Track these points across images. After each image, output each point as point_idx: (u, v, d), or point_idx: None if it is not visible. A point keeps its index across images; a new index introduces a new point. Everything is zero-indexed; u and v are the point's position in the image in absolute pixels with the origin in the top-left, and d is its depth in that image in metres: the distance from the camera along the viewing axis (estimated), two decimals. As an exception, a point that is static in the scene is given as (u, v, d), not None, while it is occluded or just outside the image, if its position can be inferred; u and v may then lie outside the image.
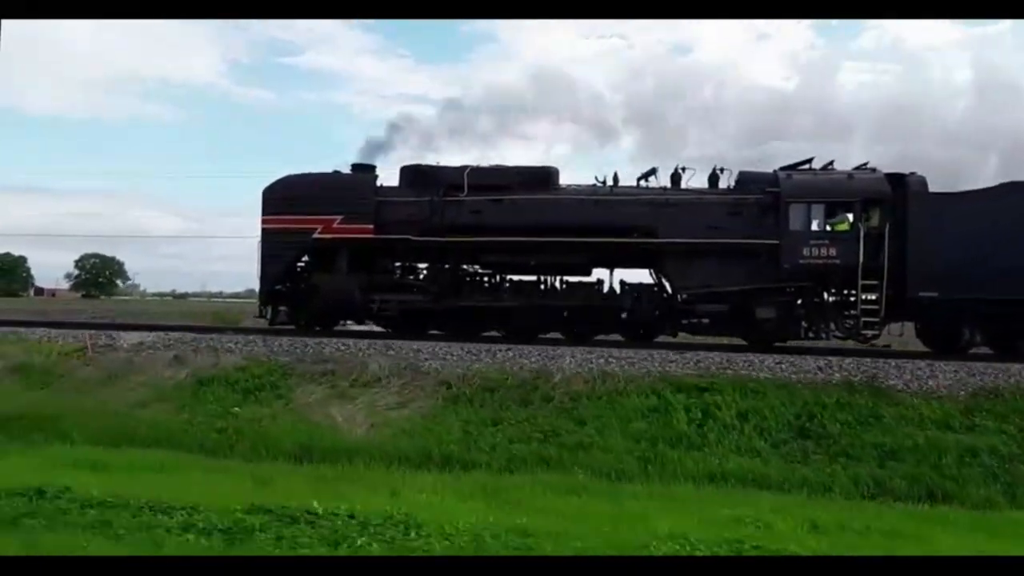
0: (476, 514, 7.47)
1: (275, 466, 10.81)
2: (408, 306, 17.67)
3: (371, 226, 17.49)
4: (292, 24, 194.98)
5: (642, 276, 18.08)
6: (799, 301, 16.60)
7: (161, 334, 16.91)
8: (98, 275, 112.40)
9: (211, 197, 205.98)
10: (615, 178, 17.75)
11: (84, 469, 9.73)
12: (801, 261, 15.96)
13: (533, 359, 14.31)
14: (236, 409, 12.87)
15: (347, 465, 10.90)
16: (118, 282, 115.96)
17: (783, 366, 13.81)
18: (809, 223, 16.16)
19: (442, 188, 17.59)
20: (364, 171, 18.67)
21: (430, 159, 18.45)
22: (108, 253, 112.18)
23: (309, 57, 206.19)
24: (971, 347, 16.20)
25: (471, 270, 18.41)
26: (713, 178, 17.47)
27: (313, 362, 14.53)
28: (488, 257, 17.93)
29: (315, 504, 7.07)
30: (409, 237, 17.42)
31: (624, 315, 17.40)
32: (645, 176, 17.67)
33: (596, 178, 17.90)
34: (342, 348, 15.22)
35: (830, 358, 14.35)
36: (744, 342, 16.85)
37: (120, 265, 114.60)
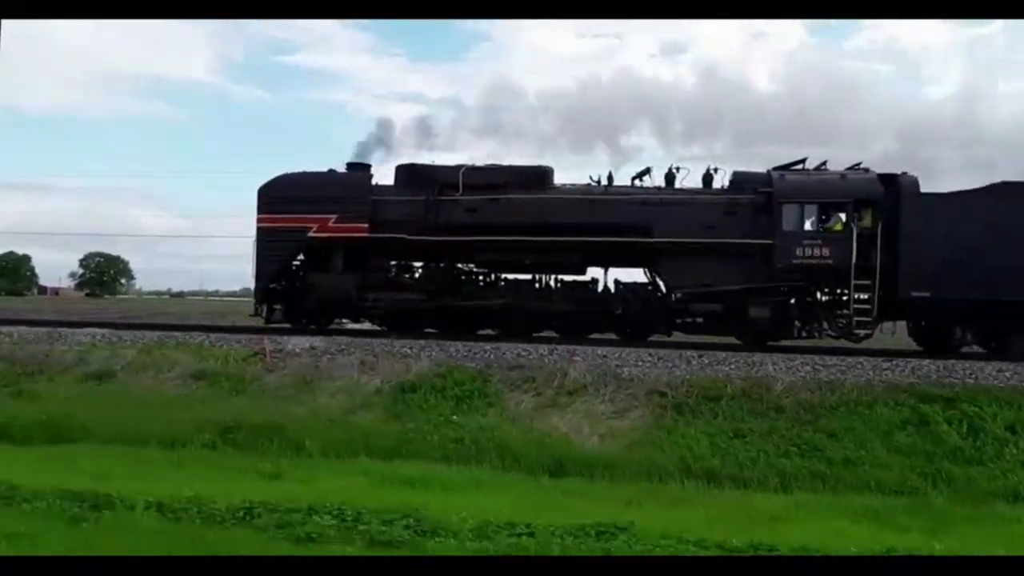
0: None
1: (554, 482, 10.60)
2: (403, 305, 17.73)
3: (366, 225, 17.52)
4: (288, 24, 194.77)
5: (637, 275, 18.20)
6: (792, 300, 16.70)
7: (330, 339, 16.14)
8: (102, 274, 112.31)
9: (207, 195, 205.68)
10: (610, 177, 17.82)
11: (401, 486, 9.60)
12: (794, 261, 16.04)
13: (731, 365, 13.86)
14: (455, 417, 12.46)
15: (605, 479, 10.70)
16: (122, 281, 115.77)
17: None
18: (802, 223, 16.26)
19: (437, 187, 17.64)
20: (359, 170, 18.71)
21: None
22: (101, 251, 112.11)
23: (304, 56, 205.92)
24: (962, 346, 16.33)
25: (466, 269, 18.47)
26: (707, 178, 17.54)
27: (509, 368, 13.99)
28: (483, 256, 17.97)
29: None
30: (404, 236, 17.46)
31: (618, 314, 17.49)
32: (639, 175, 17.76)
33: (591, 177, 18.00)
34: (530, 354, 14.70)
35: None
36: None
37: (124, 264, 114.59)
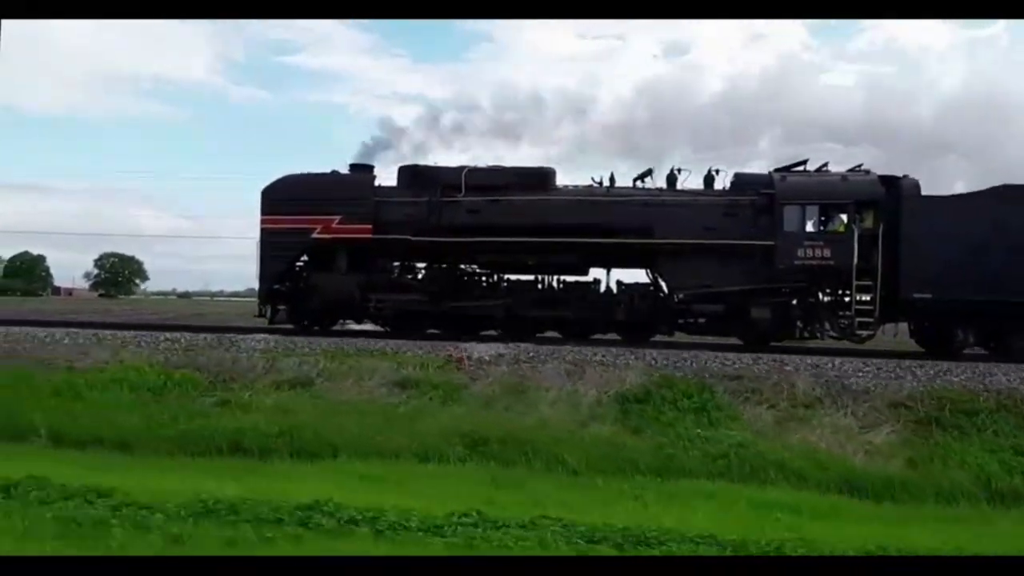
0: None
1: (860, 503, 10.11)
2: (406, 306, 17.79)
3: (369, 226, 17.59)
4: (289, 24, 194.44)
5: (639, 276, 18.29)
6: (794, 301, 16.78)
7: (516, 346, 15.45)
8: (117, 274, 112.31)
9: (208, 196, 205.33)
10: (611, 179, 17.92)
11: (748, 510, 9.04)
12: (796, 262, 16.14)
13: (959, 375, 13.31)
14: (699, 431, 11.90)
15: (891, 499, 10.23)
16: (136, 281, 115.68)
17: None
18: (804, 224, 16.35)
19: (440, 188, 17.71)
20: (362, 171, 18.77)
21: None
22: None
23: (305, 57, 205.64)
24: (964, 348, 16.40)
25: (469, 270, 18.54)
26: (709, 179, 17.63)
27: (728, 378, 13.47)
28: (485, 257, 18.07)
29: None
30: (407, 237, 17.54)
31: (621, 314, 17.56)
32: (641, 177, 17.85)
33: (593, 179, 18.09)
34: (734, 363, 14.13)
35: None
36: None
37: (139, 264, 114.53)
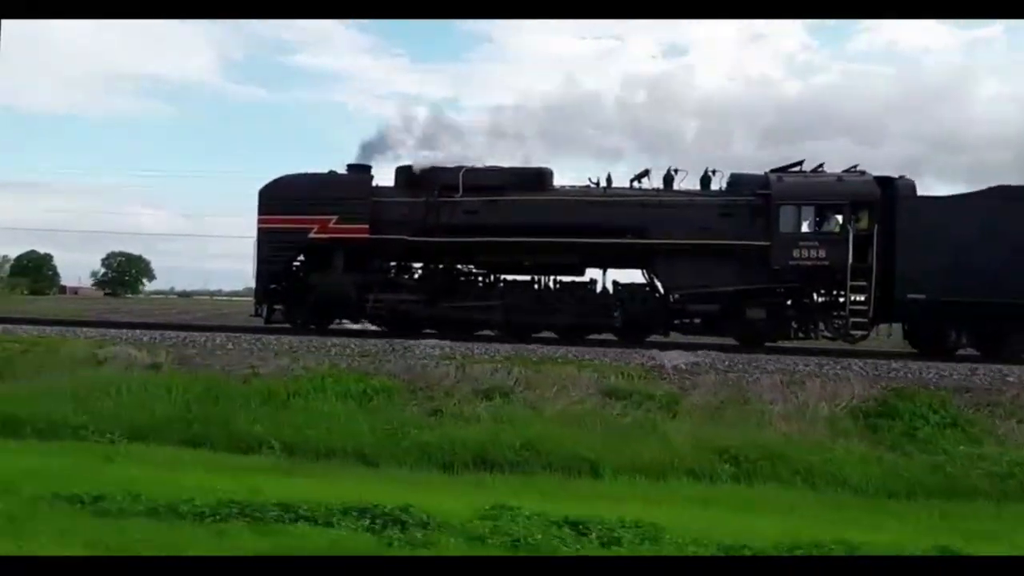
0: None
1: None
2: (403, 306, 17.86)
3: (367, 226, 17.65)
4: (288, 24, 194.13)
5: (635, 276, 18.33)
6: (789, 302, 16.83)
7: (705, 353, 14.92)
8: (124, 273, 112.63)
9: (206, 195, 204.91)
10: (608, 179, 17.96)
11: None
12: (791, 262, 16.17)
13: None
14: (962, 448, 11.24)
15: None
16: (144, 281, 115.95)
17: None
18: (799, 225, 16.40)
19: (437, 189, 17.77)
20: (360, 171, 18.84)
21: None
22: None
23: (305, 57, 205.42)
24: (958, 348, 16.43)
25: (466, 270, 18.60)
26: (705, 180, 17.66)
27: (957, 391, 12.88)
28: (482, 257, 18.12)
29: None
30: (404, 237, 17.60)
31: (617, 315, 17.61)
32: (638, 177, 17.89)
33: (590, 179, 18.13)
34: (951, 373, 13.56)
35: None
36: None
37: (146, 264, 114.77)
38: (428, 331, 17.84)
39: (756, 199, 16.63)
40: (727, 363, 14.25)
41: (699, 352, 14.93)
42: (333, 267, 17.97)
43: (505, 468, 10.82)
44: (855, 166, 17.00)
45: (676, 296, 17.11)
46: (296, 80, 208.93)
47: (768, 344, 16.69)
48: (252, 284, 19.09)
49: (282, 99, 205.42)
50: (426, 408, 12.78)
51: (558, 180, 18.24)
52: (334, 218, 17.73)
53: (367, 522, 7.04)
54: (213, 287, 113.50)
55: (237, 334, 17.06)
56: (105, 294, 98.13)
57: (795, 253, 16.17)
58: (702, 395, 13.10)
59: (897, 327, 17.36)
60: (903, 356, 15.64)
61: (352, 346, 15.38)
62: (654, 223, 16.94)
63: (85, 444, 11.36)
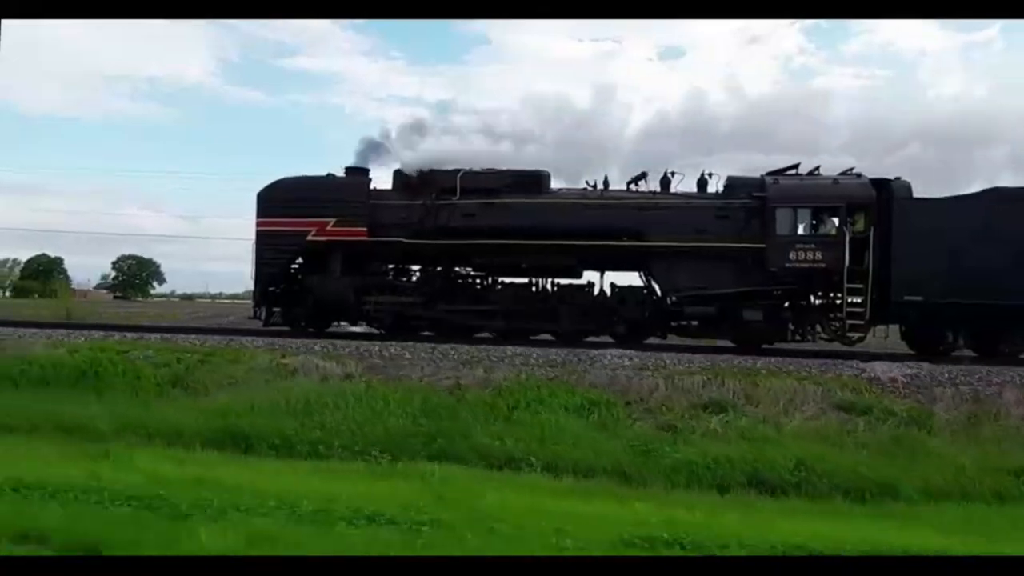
0: None
1: None
2: (401, 308, 17.92)
3: (364, 229, 17.74)
4: (285, 26, 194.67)
5: (632, 279, 18.34)
6: (786, 304, 16.84)
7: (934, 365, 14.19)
8: (134, 276, 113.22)
9: (204, 197, 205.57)
10: (605, 182, 18.00)
11: None
12: (787, 264, 16.17)
13: None
14: None
15: None
16: (154, 284, 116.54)
17: None
18: (795, 227, 16.41)
19: (435, 191, 17.83)
20: (358, 174, 18.93)
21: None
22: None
23: (302, 59, 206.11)
24: (954, 350, 16.39)
25: (463, 272, 18.65)
26: (702, 182, 17.68)
27: None
28: (480, 260, 18.17)
29: None
30: (402, 240, 17.68)
31: (615, 317, 17.63)
32: (635, 180, 17.90)
33: (587, 182, 18.16)
34: None
35: None
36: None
37: (156, 267, 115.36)
38: (426, 333, 17.92)
39: (752, 202, 16.63)
40: (948, 375, 13.45)
41: (908, 363, 14.31)
42: (331, 269, 18.07)
43: (788, 490, 10.05)
44: (851, 168, 17.00)
45: (673, 298, 17.13)
46: (294, 82, 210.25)
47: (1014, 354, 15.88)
48: (252, 286, 19.17)
49: (279, 101, 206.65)
50: (654, 422, 12.12)
51: (555, 183, 18.29)
52: (332, 221, 17.83)
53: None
54: (214, 290, 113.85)
55: (410, 343, 16.30)
56: (115, 297, 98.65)
57: (791, 255, 16.17)
58: (946, 410, 12.32)
59: (894, 328, 17.28)
60: None
61: (535, 356, 14.80)
62: (651, 225, 16.96)
63: (359, 464, 10.58)
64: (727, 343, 17.19)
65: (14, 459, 9.29)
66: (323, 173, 18.91)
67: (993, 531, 8.28)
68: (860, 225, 16.06)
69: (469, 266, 18.52)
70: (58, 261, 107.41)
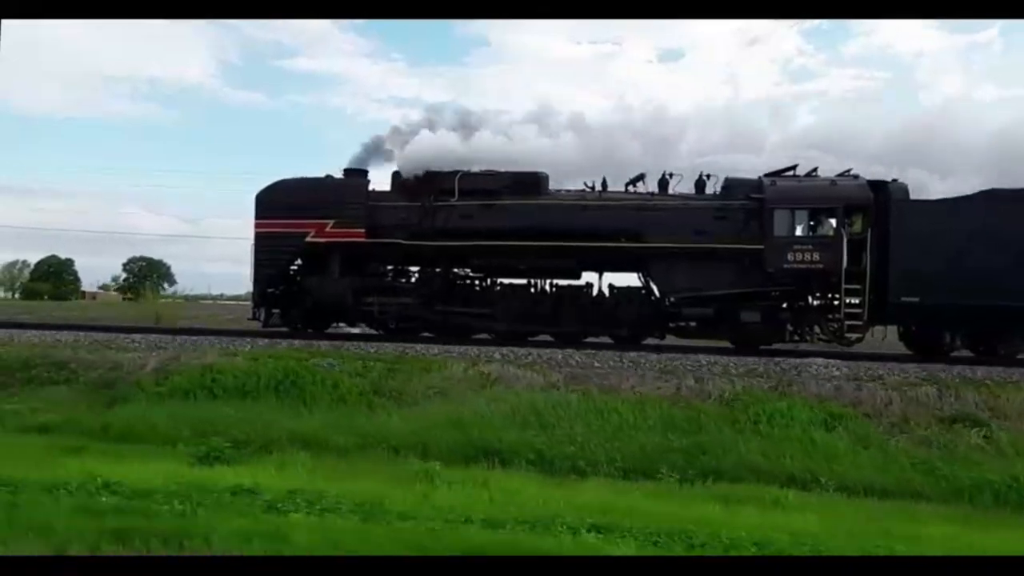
0: None
1: None
2: (399, 309, 17.97)
3: (363, 230, 17.82)
4: (284, 26, 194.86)
5: (630, 280, 18.34)
6: (784, 305, 16.83)
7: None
8: (145, 278, 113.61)
9: (204, 198, 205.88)
10: (603, 183, 18.00)
11: None
12: (785, 265, 16.17)
13: None
14: None
15: None
16: (165, 285, 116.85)
17: None
18: (793, 228, 16.40)
19: (433, 193, 17.88)
20: (356, 176, 18.99)
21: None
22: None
23: (302, 60, 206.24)
24: (952, 351, 16.36)
25: (462, 274, 18.69)
26: (700, 184, 17.66)
27: None
28: (478, 261, 18.21)
29: None
30: (400, 241, 17.74)
31: (613, 318, 17.64)
32: (633, 182, 17.90)
33: (585, 183, 18.17)
34: None
35: None
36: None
37: (167, 268, 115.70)
38: (425, 334, 17.97)
39: (750, 203, 16.62)
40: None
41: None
42: (330, 271, 18.14)
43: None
44: (849, 170, 16.97)
45: (671, 299, 17.13)
46: (293, 84, 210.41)
47: None
48: (252, 288, 19.24)
49: (279, 103, 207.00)
50: (909, 438, 11.73)
51: (553, 184, 18.29)
52: (331, 222, 17.91)
53: None
54: (215, 291, 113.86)
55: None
56: (124, 299, 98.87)
57: (789, 256, 16.16)
58: None
59: (892, 329, 17.26)
60: None
61: (732, 365, 14.47)
62: (649, 227, 16.98)
63: (647, 482, 10.20)
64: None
65: (350, 479, 8.89)
66: (323, 174, 19.01)
67: None
68: (858, 226, 16.05)
69: (468, 267, 18.56)
70: (68, 263, 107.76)
